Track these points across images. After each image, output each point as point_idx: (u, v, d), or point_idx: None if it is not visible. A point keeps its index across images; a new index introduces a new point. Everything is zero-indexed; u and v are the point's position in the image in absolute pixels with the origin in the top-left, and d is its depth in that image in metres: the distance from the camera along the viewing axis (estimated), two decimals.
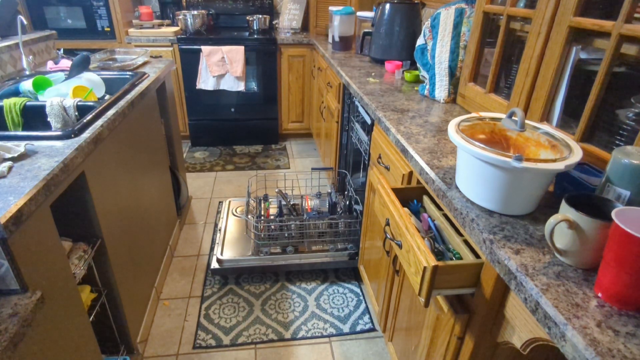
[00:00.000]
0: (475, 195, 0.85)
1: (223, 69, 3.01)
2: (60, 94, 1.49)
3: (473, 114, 0.95)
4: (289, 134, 3.58)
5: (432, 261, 0.79)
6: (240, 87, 3.08)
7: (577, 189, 0.80)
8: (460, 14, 1.48)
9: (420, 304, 1.09)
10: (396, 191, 1.10)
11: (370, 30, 2.34)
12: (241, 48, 2.99)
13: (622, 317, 0.57)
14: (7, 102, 1.37)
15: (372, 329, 1.73)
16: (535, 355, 0.73)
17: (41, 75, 1.64)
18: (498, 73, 1.29)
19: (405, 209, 1.04)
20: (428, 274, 0.80)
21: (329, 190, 2.21)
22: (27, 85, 1.57)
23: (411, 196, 1.13)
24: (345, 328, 1.73)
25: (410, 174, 1.20)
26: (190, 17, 3.08)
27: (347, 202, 2.06)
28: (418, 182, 1.15)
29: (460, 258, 0.90)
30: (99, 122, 1.26)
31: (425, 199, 1.12)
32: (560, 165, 0.72)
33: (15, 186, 0.90)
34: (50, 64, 1.96)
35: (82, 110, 1.37)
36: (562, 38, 0.98)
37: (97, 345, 1.23)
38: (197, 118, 3.28)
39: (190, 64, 3.03)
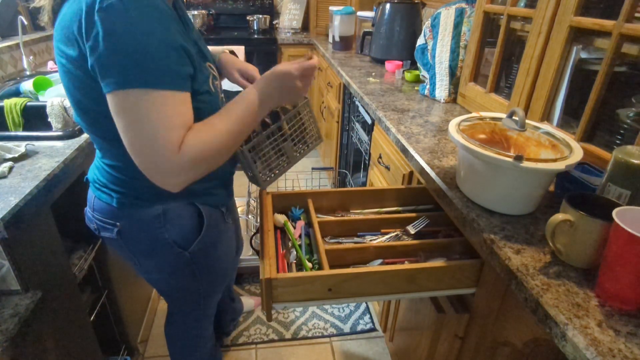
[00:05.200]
0: (475, 195, 0.85)
1: None
2: (61, 94, 1.49)
3: (473, 114, 0.95)
4: None
5: (269, 273, 0.78)
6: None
7: (578, 189, 0.80)
8: (460, 14, 1.47)
9: (421, 304, 1.09)
10: (282, 197, 1.08)
11: (370, 30, 2.34)
12: (241, 48, 2.99)
13: (623, 317, 0.57)
14: (7, 103, 1.37)
15: (373, 329, 1.73)
16: (535, 355, 0.72)
17: (42, 75, 1.65)
18: (498, 73, 1.29)
19: (283, 215, 1.02)
20: (263, 286, 0.79)
21: None
22: (27, 85, 1.57)
23: (294, 202, 1.08)
24: (346, 328, 1.73)
25: (411, 173, 1.20)
26: (191, 17, 3.08)
27: None
28: (418, 181, 1.15)
29: (322, 268, 0.84)
30: None
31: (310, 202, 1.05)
32: (560, 165, 0.72)
33: (16, 186, 0.90)
34: (50, 64, 1.96)
35: None
36: (562, 38, 0.98)
37: (97, 345, 1.24)
38: None
39: None
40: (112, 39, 0.63)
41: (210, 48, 0.98)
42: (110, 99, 0.68)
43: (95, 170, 0.89)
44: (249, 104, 0.80)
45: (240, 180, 1.11)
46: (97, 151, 0.87)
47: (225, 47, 3.08)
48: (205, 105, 0.80)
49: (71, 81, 0.73)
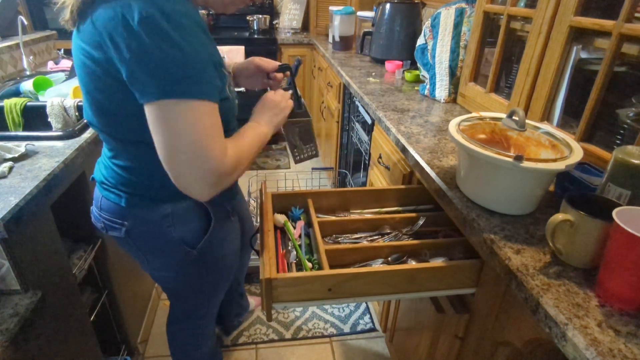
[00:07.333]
0: (475, 195, 0.85)
1: None
2: (61, 94, 1.49)
3: (473, 114, 0.95)
4: None
5: (268, 273, 0.78)
6: (241, 87, 3.08)
7: (578, 189, 0.80)
8: (460, 14, 1.47)
9: (421, 304, 1.09)
10: (281, 196, 1.08)
11: (370, 30, 2.34)
12: (241, 48, 2.98)
13: (623, 317, 0.57)
14: (7, 103, 1.37)
15: (373, 329, 1.73)
16: (535, 355, 0.72)
17: (42, 75, 1.65)
18: (498, 73, 1.29)
19: (283, 216, 1.02)
20: (263, 286, 0.79)
21: None
22: (27, 85, 1.57)
23: (294, 202, 1.09)
24: (346, 328, 1.73)
25: (411, 173, 1.20)
26: None
27: None
28: (418, 181, 1.15)
29: (322, 268, 0.84)
30: None
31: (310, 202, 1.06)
32: (560, 165, 0.72)
33: (16, 186, 0.90)
34: (50, 64, 1.96)
35: (82, 110, 1.37)
36: (562, 37, 0.98)
37: (97, 345, 1.24)
38: None
39: None
40: (154, 50, 0.63)
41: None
42: (150, 108, 0.67)
43: (103, 170, 0.88)
44: (255, 127, 0.89)
45: (240, 180, 1.11)
46: (107, 151, 0.86)
47: (224, 47, 3.08)
48: (225, 110, 0.80)
49: (93, 82, 0.73)
